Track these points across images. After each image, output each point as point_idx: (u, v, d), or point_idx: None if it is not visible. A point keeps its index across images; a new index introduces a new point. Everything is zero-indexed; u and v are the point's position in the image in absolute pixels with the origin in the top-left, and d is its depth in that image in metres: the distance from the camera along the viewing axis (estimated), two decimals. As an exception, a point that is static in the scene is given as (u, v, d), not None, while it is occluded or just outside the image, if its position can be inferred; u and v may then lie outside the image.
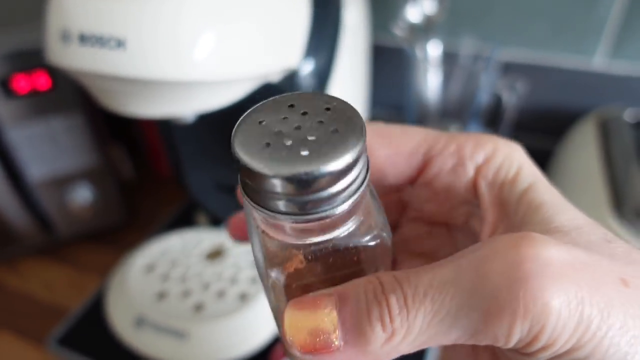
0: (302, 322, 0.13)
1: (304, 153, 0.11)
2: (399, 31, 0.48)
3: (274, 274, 0.13)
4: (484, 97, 0.50)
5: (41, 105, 0.47)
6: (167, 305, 0.37)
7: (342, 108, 0.13)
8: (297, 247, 0.13)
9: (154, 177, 0.72)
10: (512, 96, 0.47)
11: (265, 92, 0.32)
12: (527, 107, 0.54)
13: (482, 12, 0.52)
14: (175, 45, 0.24)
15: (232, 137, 0.12)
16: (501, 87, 0.48)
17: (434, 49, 0.49)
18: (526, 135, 0.58)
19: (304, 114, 0.13)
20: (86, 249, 0.59)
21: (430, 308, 0.12)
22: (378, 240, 0.14)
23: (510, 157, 0.16)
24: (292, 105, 0.13)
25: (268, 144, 0.12)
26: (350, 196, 0.12)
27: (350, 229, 0.13)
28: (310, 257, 0.13)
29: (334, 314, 0.13)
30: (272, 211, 0.12)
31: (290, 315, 0.13)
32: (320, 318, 0.13)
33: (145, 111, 0.27)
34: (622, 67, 0.48)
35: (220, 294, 0.38)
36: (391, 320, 0.12)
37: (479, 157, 0.16)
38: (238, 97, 0.30)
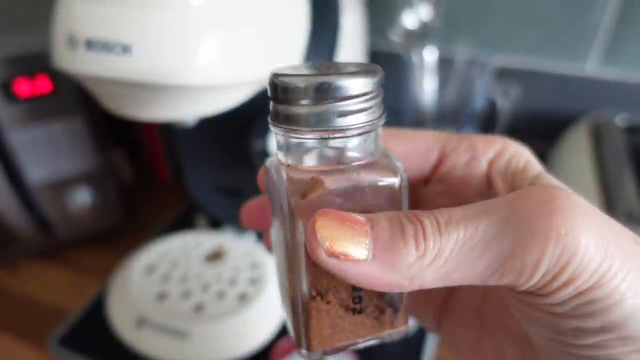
0: (334, 228, 0.13)
1: (331, 72, 0.14)
2: (395, 37, 0.49)
3: (294, 200, 0.14)
4: (478, 102, 0.50)
5: (42, 108, 0.47)
6: (168, 306, 0.37)
7: (367, 66, 0.14)
8: (321, 173, 0.14)
9: (153, 180, 0.72)
10: (506, 101, 0.48)
11: (265, 95, 0.33)
12: (520, 112, 0.55)
13: (477, 19, 0.53)
14: (179, 51, 0.24)
15: (270, 79, 0.14)
16: (496, 93, 0.49)
17: (430, 55, 0.49)
18: (520, 140, 0.59)
19: (332, 67, 0.14)
20: (86, 251, 0.59)
21: (462, 234, 0.13)
22: (397, 181, 0.14)
23: (519, 152, 0.17)
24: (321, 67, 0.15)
25: (302, 75, 0.14)
26: (367, 122, 0.14)
27: (368, 162, 0.14)
28: (331, 187, 0.14)
29: (367, 228, 0.13)
30: (301, 128, 0.14)
31: (323, 219, 0.13)
32: (352, 228, 0.13)
33: (149, 115, 0.28)
34: (614, 73, 0.49)
35: (220, 295, 0.38)
36: (425, 239, 0.13)
37: (490, 153, 0.17)
38: (239, 101, 0.31)
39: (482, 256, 0.13)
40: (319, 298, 0.15)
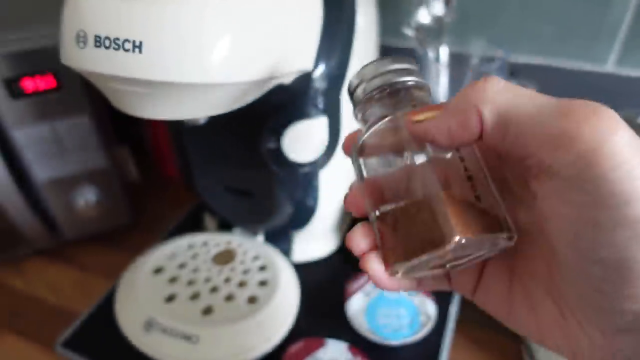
0: (417, 114, 0.18)
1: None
2: (409, 32, 0.48)
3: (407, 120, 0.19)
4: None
5: (47, 106, 0.46)
6: (176, 308, 0.37)
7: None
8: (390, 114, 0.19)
9: (159, 178, 0.71)
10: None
11: (277, 93, 0.32)
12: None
13: (493, 15, 0.52)
14: (192, 48, 0.23)
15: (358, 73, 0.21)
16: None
17: (444, 51, 0.48)
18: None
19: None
20: (92, 250, 0.58)
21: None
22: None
23: None
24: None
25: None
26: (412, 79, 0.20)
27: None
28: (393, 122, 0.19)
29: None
30: (378, 87, 0.20)
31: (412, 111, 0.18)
32: (431, 110, 0.18)
33: (160, 114, 0.27)
34: (635, 69, 0.48)
35: (229, 298, 0.38)
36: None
37: None
38: (251, 99, 0.30)
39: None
40: (448, 189, 0.18)
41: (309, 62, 0.32)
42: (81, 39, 0.24)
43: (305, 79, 0.34)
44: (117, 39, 0.23)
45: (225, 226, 0.48)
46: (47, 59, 0.44)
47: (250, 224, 0.45)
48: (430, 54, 0.48)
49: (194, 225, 0.52)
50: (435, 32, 0.48)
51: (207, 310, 0.37)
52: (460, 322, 0.41)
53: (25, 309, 0.51)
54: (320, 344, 0.37)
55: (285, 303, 0.38)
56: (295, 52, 0.30)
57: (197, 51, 0.23)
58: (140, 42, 0.23)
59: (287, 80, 0.32)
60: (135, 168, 0.63)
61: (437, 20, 0.51)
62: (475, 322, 0.49)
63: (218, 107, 0.27)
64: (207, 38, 0.24)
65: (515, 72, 0.54)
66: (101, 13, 0.24)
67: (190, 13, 0.23)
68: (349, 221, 0.52)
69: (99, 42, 0.24)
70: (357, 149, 0.20)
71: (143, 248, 0.57)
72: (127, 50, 0.23)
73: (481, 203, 0.18)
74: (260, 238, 0.46)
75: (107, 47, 0.24)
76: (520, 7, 0.51)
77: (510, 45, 0.51)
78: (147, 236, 0.60)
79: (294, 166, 0.38)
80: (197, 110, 0.27)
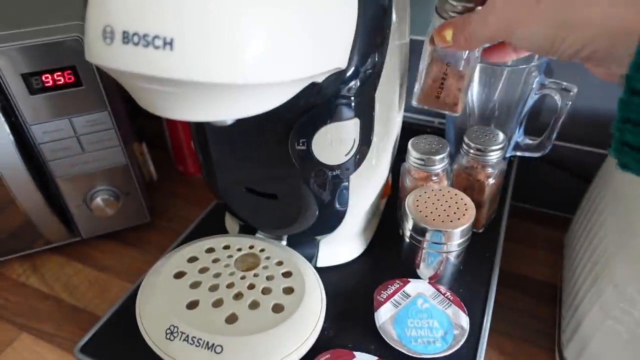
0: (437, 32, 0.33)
1: None
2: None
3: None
4: (532, 100, 0.47)
5: (65, 102, 0.45)
6: (199, 316, 0.35)
7: None
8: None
9: (177, 175, 0.70)
10: (565, 99, 0.44)
11: (308, 92, 0.30)
12: (577, 112, 0.51)
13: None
14: (228, 46, 0.22)
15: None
16: (550, 90, 0.45)
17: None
18: (578, 144, 0.55)
19: None
20: (108, 249, 0.57)
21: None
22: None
23: None
24: None
25: None
26: None
27: None
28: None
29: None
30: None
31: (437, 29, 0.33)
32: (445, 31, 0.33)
33: (189, 116, 0.25)
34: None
35: (254, 306, 0.36)
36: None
37: None
38: (285, 100, 0.28)
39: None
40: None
41: (343, 59, 0.30)
42: (108, 34, 0.23)
43: (338, 77, 0.32)
44: (147, 35, 0.22)
45: (247, 227, 0.46)
46: (66, 53, 0.42)
47: (273, 229, 0.43)
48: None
49: (214, 226, 0.50)
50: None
51: (231, 319, 0.35)
52: (490, 334, 0.39)
53: (42, 309, 0.50)
54: (350, 358, 0.35)
55: (311, 312, 0.37)
56: (332, 49, 0.28)
57: (234, 49, 0.22)
58: (172, 39, 0.21)
59: (320, 78, 0.30)
60: (153, 165, 0.61)
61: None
62: (506, 333, 0.47)
63: (252, 108, 0.25)
64: (246, 34, 0.22)
65: (551, 70, 0.52)
66: (129, 7, 0.22)
67: (220, 8, 0.21)
68: (375, 225, 0.50)
69: (126, 38, 0.22)
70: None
71: (161, 248, 0.56)
72: (157, 48, 0.22)
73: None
74: (284, 242, 0.44)
75: (135, 44, 0.22)
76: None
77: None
78: (165, 236, 0.58)
79: (324, 169, 0.36)
80: (229, 112, 0.25)
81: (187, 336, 0.34)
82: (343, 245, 0.46)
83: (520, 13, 0.26)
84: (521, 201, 0.63)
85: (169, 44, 0.21)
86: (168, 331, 0.35)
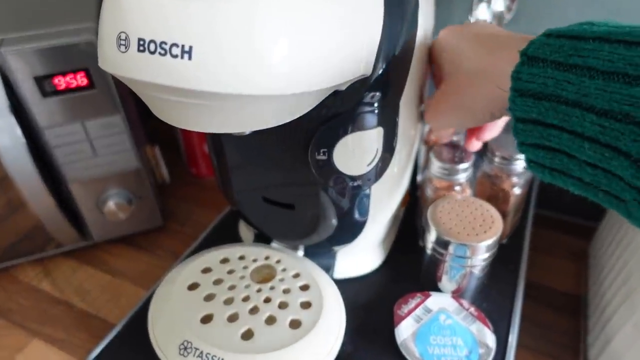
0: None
1: None
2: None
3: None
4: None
5: (78, 105, 0.44)
6: (214, 331, 0.34)
7: None
8: None
9: (191, 179, 0.69)
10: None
11: (329, 100, 0.28)
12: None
13: (554, 10, 0.47)
14: (249, 55, 0.20)
15: None
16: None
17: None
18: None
19: None
20: (120, 253, 0.56)
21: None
22: None
23: None
24: None
25: None
26: None
27: None
28: None
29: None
30: None
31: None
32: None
33: (206, 127, 0.24)
34: None
35: (270, 321, 0.35)
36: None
37: None
38: (306, 111, 0.27)
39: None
40: None
41: (368, 66, 0.29)
42: (122, 42, 0.21)
43: (362, 85, 0.30)
44: (164, 43, 0.20)
45: (262, 236, 0.45)
46: (79, 56, 0.41)
47: (290, 240, 0.42)
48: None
49: (228, 232, 0.49)
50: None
51: (247, 335, 0.34)
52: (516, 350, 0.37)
53: (53, 314, 0.49)
54: (370, 377, 0.33)
55: (330, 328, 0.35)
56: (357, 57, 0.26)
57: (256, 58, 0.20)
58: (190, 47, 0.20)
59: (344, 86, 0.28)
60: (165, 169, 0.60)
61: (497, 16, 0.46)
62: (529, 346, 0.45)
63: (271, 120, 0.24)
64: (269, 42, 0.20)
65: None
66: (146, 13, 0.20)
67: (242, 16, 0.20)
68: (394, 234, 0.48)
69: (142, 46, 0.21)
70: None
71: (174, 252, 0.55)
72: (174, 56, 0.20)
73: None
74: (301, 252, 0.42)
75: (151, 52, 0.20)
76: (584, 4, 0.46)
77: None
78: (178, 240, 0.57)
79: (344, 179, 0.34)
80: (248, 124, 0.24)
81: (202, 352, 0.33)
82: (362, 256, 0.44)
83: (433, 112, 0.36)
84: (544, 208, 0.60)
85: (187, 52, 0.20)
86: (182, 346, 0.33)
